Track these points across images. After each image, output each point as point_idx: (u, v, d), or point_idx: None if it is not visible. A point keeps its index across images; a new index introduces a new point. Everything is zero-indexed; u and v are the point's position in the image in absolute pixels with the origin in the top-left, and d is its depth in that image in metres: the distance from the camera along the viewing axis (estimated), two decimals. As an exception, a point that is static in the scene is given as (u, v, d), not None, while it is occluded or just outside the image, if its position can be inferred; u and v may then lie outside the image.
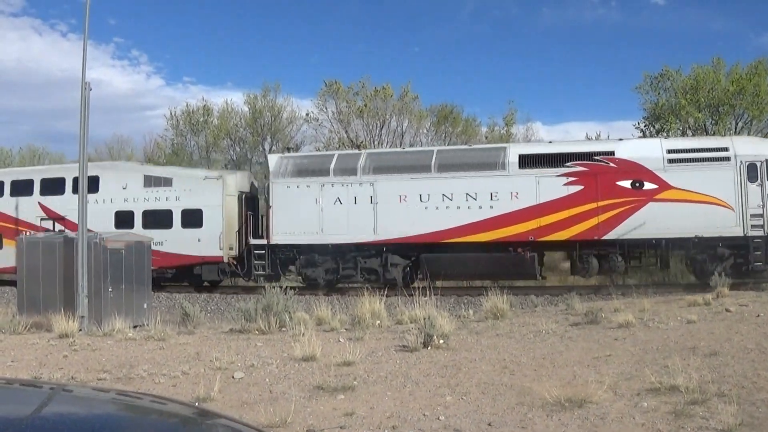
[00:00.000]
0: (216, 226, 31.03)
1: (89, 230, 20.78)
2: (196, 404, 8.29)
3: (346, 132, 47.80)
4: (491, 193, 27.99)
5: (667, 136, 36.93)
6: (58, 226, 31.88)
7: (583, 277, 28.24)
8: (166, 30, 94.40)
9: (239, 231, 31.83)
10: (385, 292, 21.50)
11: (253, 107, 50.68)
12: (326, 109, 48.21)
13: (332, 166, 29.90)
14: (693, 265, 27.59)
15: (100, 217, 30.28)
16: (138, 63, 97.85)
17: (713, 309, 18.17)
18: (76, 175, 31.82)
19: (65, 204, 31.96)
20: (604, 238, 27.16)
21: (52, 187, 33.69)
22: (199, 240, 31.05)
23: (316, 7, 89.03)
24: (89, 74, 20.60)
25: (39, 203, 33.45)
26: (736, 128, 40.11)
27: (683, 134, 38.43)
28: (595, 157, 27.47)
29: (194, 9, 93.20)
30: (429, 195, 28.54)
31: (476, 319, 19.10)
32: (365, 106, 46.88)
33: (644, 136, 41.48)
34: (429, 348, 14.21)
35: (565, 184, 27.43)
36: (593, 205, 27.14)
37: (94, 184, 30.94)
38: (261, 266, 30.08)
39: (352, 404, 10.15)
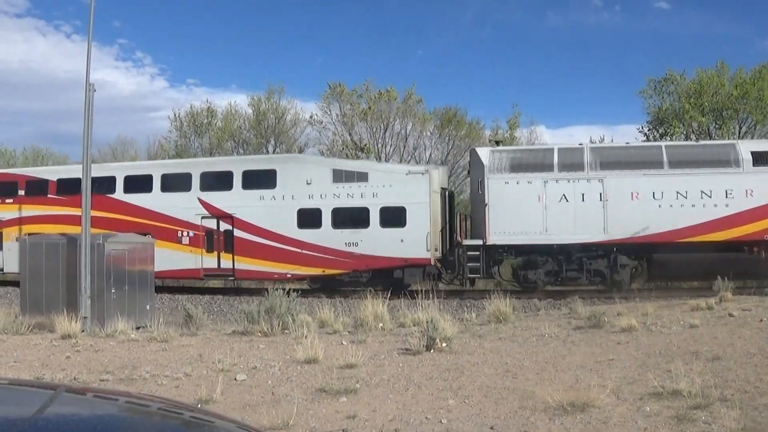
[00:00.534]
0: (422, 226, 28.55)
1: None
2: (198, 406, 8.30)
3: (350, 135, 47.91)
4: (726, 191, 26.73)
5: (671, 140, 36.86)
6: (224, 225, 30.47)
7: None
8: (171, 32, 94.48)
9: (442, 230, 29.61)
10: (388, 295, 21.30)
11: (257, 109, 50.79)
12: (330, 111, 48.39)
13: (555, 160, 27.81)
14: None
15: (278, 215, 29.47)
16: (142, 64, 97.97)
17: (716, 313, 18.14)
18: (248, 168, 30.94)
19: (233, 201, 30.29)
20: None
21: (216, 181, 31.11)
22: (402, 240, 28.61)
23: (320, 10, 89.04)
24: (93, 75, 20.59)
25: (199, 200, 30.96)
26: (739, 132, 40.10)
27: (687, 138, 38.37)
28: None
29: (199, 11, 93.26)
30: (663, 192, 26.94)
31: (479, 323, 19.08)
32: (369, 108, 46.98)
33: (648, 140, 41.52)
34: (432, 351, 14.22)
35: None
36: None
37: (269, 179, 30.06)
38: (474, 269, 28.04)
39: (354, 407, 10.15)
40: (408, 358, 13.81)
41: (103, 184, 31.29)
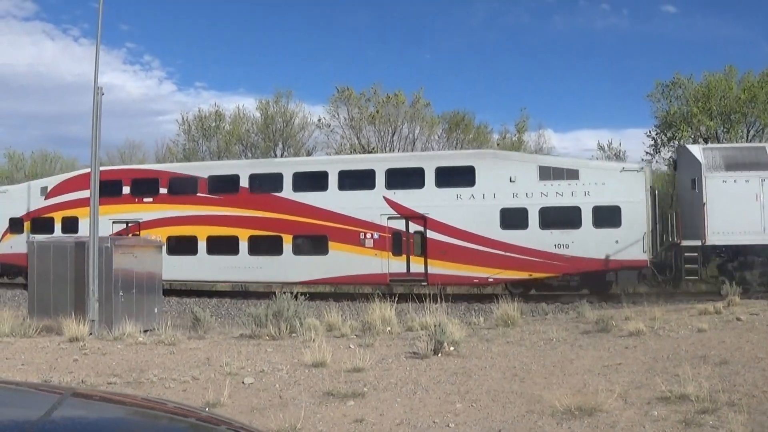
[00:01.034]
0: (638, 226, 27.23)
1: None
2: (206, 409, 8.31)
3: (358, 138, 47.89)
4: None
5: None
6: (414, 225, 28.94)
7: None
8: (179, 35, 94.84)
9: (653, 230, 28.18)
10: (396, 299, 21.19)
11: (265, 113, 50.79)
12: (338, 115, 48.37)
13: None
14: None
15: (478, 216, 28.11)
16: (150, 68, 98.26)
17: (724, 318, 18.12)
18: (442, 164, 29.22)
19: (425, 200, 28.71)
20: None
21: (405, 179, 29.44)
22: (616, 242, 27.26)
23: (328, 13, 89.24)
24: (101, 79, 20.65)
25: (385, 198, 29.21)
26: (747, 136, 40.01)
27: (695, 142, 38.29)
28: None
29: (207, 15, 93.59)
30: None
31: (487, 327, 19.07)
32: (377, 112, 46.98)
33: (655, 144, 41.52)
34: (439, 355, 14.21)
35: None
36: None
37: (467, 176, 28.68)
38: (692, 270, 26.73)
39: (362, 411, 10.15)
40: (416, 361, 13.80)
41: (269, 182, 30.52)
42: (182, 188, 31.85)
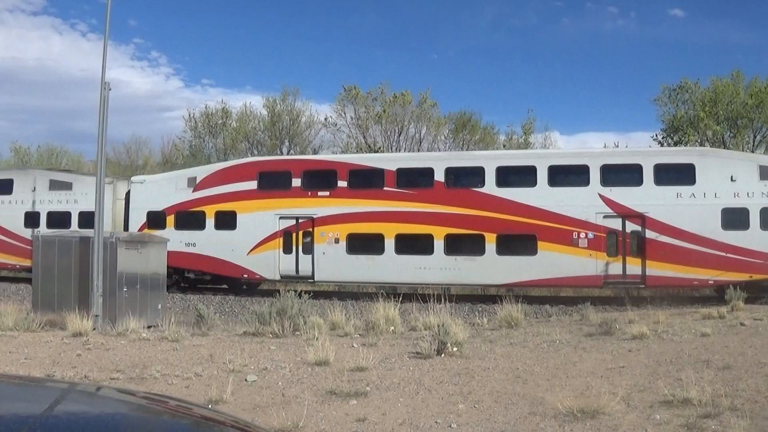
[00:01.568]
0: None
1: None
2: (209, 406, 8.31)
3: (364, 137, 47.96)
4: None
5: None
6: (631, 225, 27.33)
7: None
8: (186, 32, 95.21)
9: None
10: (400, 299, 21.05)
11: (272, 111, 50.90)
12: (345, 114, 48.48)
13: None
14: None
15: (698, 215, 26.67)
16: (157, 64, 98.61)
17: (727, 322, 18.10)
18: (660, 161, 27.67)
19: (643, 198, 27.00)
20: None
21: (622, 175, 27.95)
22: None
23: (336, 12, 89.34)
24: (108, 74, 20.66)
25: (600, 196, 27.44)
26: (754, 142, 39.98)
27: (701, 146, 38.26)
28: None
29: (215, 12, 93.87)
30: None
31: (490, 328, 19.07)
32: (384, 111, 47.04)
33: (662, 147, 41.42)
34: (442, 355, 14.21)
35: None
36: None
37: (686, 174, 27.22)
38: None
39: (364, 410, 10.15)
40: (419, 362, 13.81)
41: (468, 176, 29.17)
42: (366, 182, 30.07)
